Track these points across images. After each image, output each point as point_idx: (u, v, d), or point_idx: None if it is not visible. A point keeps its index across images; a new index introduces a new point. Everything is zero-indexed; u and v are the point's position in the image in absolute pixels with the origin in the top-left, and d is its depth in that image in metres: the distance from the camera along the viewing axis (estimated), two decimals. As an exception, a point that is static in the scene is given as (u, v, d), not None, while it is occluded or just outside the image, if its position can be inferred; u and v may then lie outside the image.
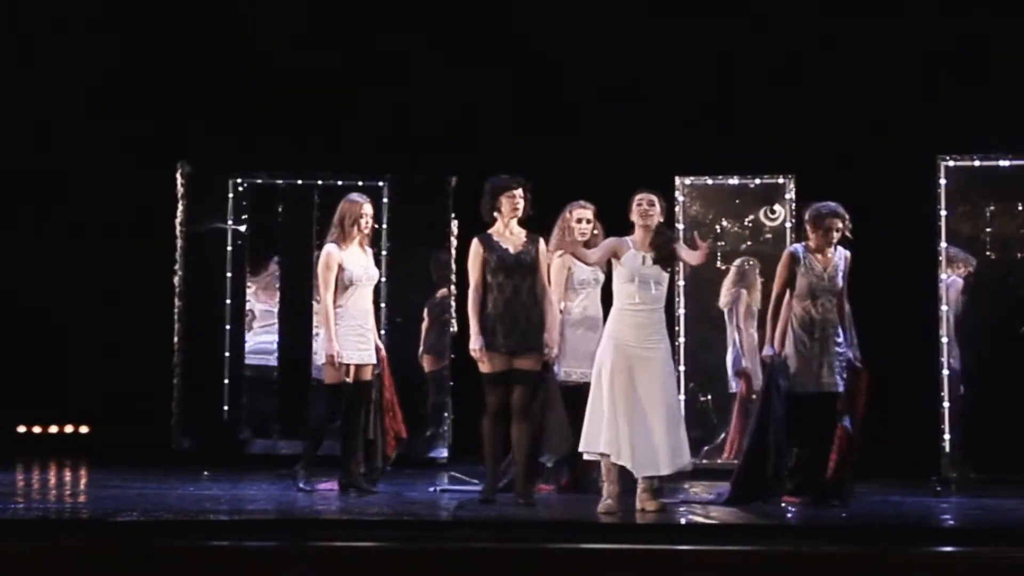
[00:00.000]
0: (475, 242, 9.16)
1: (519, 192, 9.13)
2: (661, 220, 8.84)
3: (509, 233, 9.13)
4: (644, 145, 11.94)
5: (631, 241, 8.80)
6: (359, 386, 9.60)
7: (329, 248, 9.53)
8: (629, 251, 8.74)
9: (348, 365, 9.51)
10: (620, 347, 8.64)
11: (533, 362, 9.05)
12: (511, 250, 9.07)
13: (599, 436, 8.63)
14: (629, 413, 8.56)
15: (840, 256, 9.18)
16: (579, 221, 9.68)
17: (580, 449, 8.81)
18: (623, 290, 8.73)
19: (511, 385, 9.01)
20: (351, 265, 9.51)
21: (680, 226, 11.49)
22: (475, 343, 9.01)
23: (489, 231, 9.16)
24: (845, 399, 9.10)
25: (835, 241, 9.16)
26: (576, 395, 9.36)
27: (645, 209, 8.78)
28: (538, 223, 9.25)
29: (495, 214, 9.15)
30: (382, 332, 12.21)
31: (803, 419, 9.02)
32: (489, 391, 9.04)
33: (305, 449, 9.82)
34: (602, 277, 9.74)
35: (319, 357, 9.78)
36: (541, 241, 9.15)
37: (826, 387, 9.04)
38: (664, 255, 8.74)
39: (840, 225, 9.10)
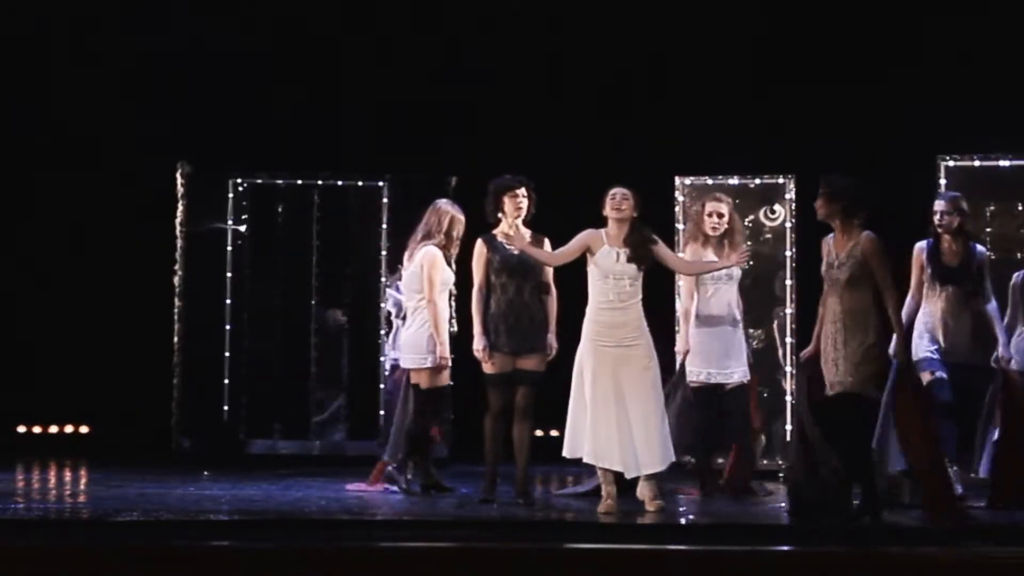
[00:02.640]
0: (479, 243, 9.14)
1: (522, 192, 9.10)
2: (634, 215, 8.81)
3: (513, 233, 9.10)
4: (644, 145, 11.94)
5: (605, 235, 8.76)
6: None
7: (436, 252, 9.38)
8: (603, 247, 8.71)
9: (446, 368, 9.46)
10: (599, 348, 8.61)
11: (536, 362, 9.01)
12: (515, 250, 9.05)
13: (582, 443, 8.61)
14: (616, 414, 8.53)
15: (858, 242, 8.32)
16: (710, 215, 9.55)
17: (564, 455, 8.77)
18: (597, 288, 8.69)
19: (514, 386, 8.99)
20: (447, 269, 9.52)
21: (680, 226, 11.49)
22: (478, 343, 8.99)
23: (493, 231, 9.15)
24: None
25: (821, 214, 8.36)
26: (704, 396, 9.36)
27: (618, 202, 8.74)
28: (539, 223, 9.24)
29: (499, 214, 9.12)
30: (382, 332, 12.24)
31: (825, 422, 8.38)
32: (492, 391, 9.01)
33: (405, 456, 9.60)
34: (737, 273, 9.52)
35: (422, 360, 9.40)
36: (546, 241, 9.12)
37: (837, 387, 8.23)
38: (639, 254, 8.70)
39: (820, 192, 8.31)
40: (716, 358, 9.47)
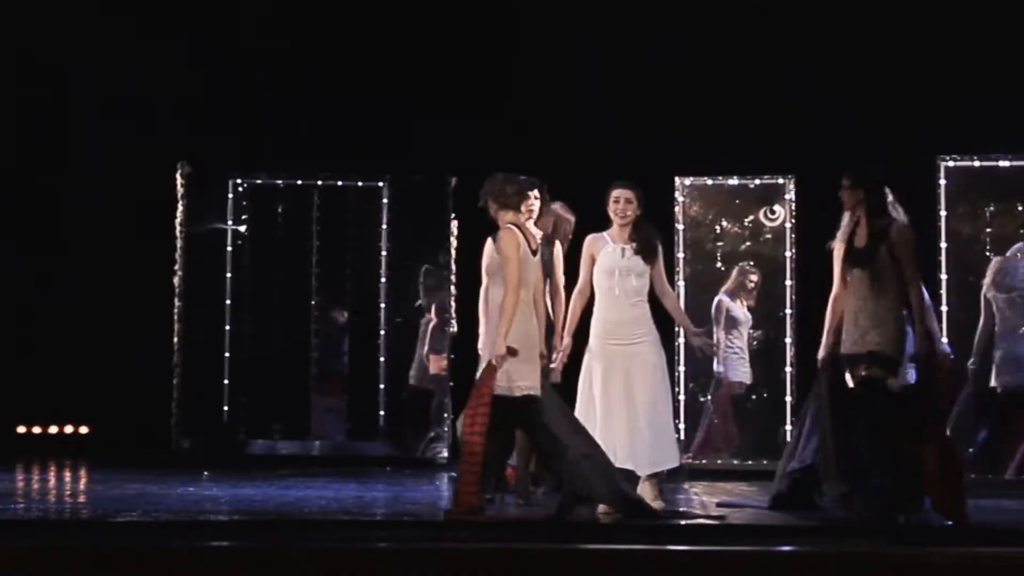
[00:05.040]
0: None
1: (533, 194, 9.05)
2: (639, 214, 8.75)
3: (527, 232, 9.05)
4: (644, 145, 11.94)
5: (608, 236, 8.75)
6: None
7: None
8: (607, 246, 8.69)
9: None
10: (608, 347, 8.57)
11: (543, 364, 8.95)
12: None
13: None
14: (626, 412, 8.50)
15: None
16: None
17: None
18: (602, 285, 8.65)
19: None
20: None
21: (680, 226, 11.50)
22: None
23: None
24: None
25: None
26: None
27: (622, 208, 8.69)
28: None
29: None
30: (382, 332, 12.25)
31: None
32: None
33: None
34: None
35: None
36: (557, 244, 9.09)
37: None
38: (647, 248, 8.67)
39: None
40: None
